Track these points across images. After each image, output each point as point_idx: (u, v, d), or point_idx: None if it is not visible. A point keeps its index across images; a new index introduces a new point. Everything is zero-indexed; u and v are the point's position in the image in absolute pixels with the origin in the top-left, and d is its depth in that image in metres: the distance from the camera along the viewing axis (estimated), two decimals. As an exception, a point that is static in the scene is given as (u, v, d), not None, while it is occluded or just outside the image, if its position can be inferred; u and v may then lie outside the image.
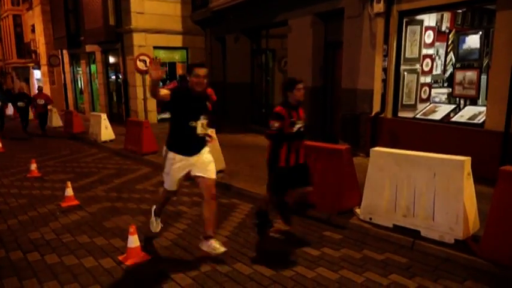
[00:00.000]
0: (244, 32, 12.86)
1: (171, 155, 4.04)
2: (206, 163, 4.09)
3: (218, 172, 7.22)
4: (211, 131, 7.19)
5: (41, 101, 13.43)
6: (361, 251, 4.15)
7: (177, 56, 15.19)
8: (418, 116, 7.77)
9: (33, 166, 7.92)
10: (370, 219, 4.68)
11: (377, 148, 4.81)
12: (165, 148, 4.14)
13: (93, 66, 18.34)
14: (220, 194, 6.33)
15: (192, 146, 4.02)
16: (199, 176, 4.05)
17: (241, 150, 9.50)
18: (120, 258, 4.04)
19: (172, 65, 15.29)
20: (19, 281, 3.66)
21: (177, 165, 4.02)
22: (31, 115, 16.16)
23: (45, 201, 6.13)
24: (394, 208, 4.49)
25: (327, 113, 10.23)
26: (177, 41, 14.71)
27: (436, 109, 7.67)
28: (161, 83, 14.92)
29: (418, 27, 7.81)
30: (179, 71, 15.51)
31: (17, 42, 28.78)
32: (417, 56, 7.89)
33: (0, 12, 31.99)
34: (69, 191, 5.98)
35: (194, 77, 3.90)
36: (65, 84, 19.80)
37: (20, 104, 13.61)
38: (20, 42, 28.63)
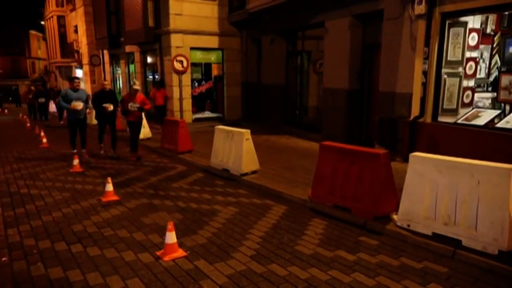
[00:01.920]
0: (280, 33, 12.88)
1: None
2: None
3: (252, 173, 7.32)
4: (246, 132, 7.31)
5: (134, 106, 8.88)
6: (399, 259, 4.07)
7: (213, 57, 15.40)
8: (459, 121, 7.50)
9: (76, 161, 8.26)
10: (408, 226, 4.57)
11: (417, 153, 4.69)
12: None
13: (132, 66, 18.91)
14: (254, 195, 6.38)
15: None
16: None
17: (275, 152, 9.52)
18: (158, 253, 4.16)
19: (208, 66, 15.53)
20: (63, 271, 3.83)
21: None
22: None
23: (87, 195, 6.39)
24: (433, 215, 4.37)
25: (363, 116, 10.07)
26: (213, 42, 14.91)
27: (480, 114, 7.38)
28: (196, 83, 15.23)
29: (462, 29, 7.55)
30: (214, 71, 15.73)
31: (60, 42, 30.16)
32: (460, 58, 7.63)
33: (46, 13, 33.59)
34: (109, 187, 6.20)
35: None
36: (104, 83, 20.51)
37: (106, 106, 9.09)
38: (63, 42, 29.97)
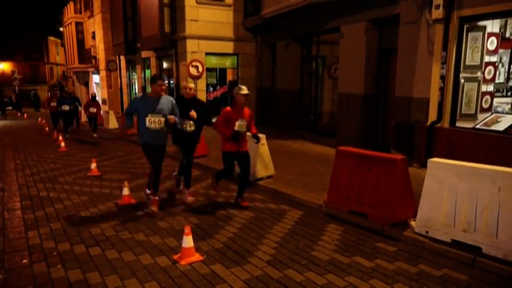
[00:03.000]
0: (295, 38, 12.91)
1: None
2: None
3: (267, 178, 7.32)
4: (262, 137, 7.32)
5: (243, 125, 5.70)
6: (417, 265, 4.01)
7: (227, 62, 15.50)
8: (478, 126, 7.39)
9: (93, 165, 8.38)
10: (427, 232, 4.51)
11: (435, 159, 4.63)
12: None
13: (147, 71, 19.14)
14: (269, 200, 6.37)
15: None
16: None
17: (290, 157, 9.50)
18: (175, 257, 4.18)
19: (222, 71, 15.63)
20: (82, 273, 3.88)
21: None
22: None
23: (104, 198, 6.47)
24: (453, 222, 4.30)
25: (378, 121, 10.00)
26: (228, 47, 15.02)
27: (499, 119, 7.26)
28: (211, 88, 15.33)
29: (480, 33, 7.45)
30: (229, 76, 15.83)
31: (78, 48, 30.74)
32: (478, 63, 7.52)
33: (64, 19, 34.32)
34: (126, 191, 6.27)
35: None
36: (121, 88, 20.83)
37: (185, 127, 6.03)
38: (81, 48, 30.54)
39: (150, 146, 5.71)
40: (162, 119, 5.53)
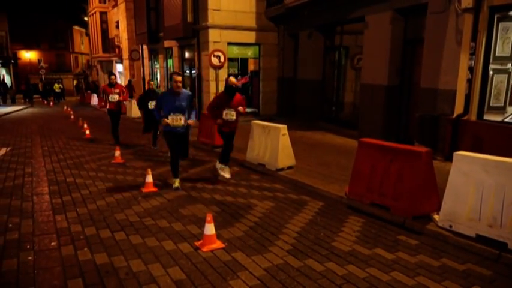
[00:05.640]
0: (318, 28, 12.75)
1: None
2: None
3: (288, 168, 7.33)
4: (283, 127, 7.31)
5: None
6: (440, 259, 3.96)
7: (249, 52, 15.45)
8: (508, 119, 7.17)
9: (117, 153, 8.56)
10: (450, 226, 4.44)
11: (462, 152, 4.53)
12: None
13: (170, 61, 19.28)
14: (290, 190, 6.38)
15: None
16: None
17: (311, 148, 9.46)
18: (197, 244, 4.26)
19: (244, 61, 15.60)
20: (108, 256, 4.00)
21: None
22: None
23: (128, 185, 6.62)
24: (478, 217, 4.21)
25: (402, 113, 9.82)
26: (250, 37, 14.96)
27: (529, 113, 7.03)
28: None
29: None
30: (251, 66, 15.79)
31: (102, 38, 31.23)
32: (509, 54, 7.25)
33: (89, 9, 34.86)
34: (149, 178, 6.39)
35: None
36: (143, 78, 21.07)
37: None
38: (105, 37, 31.01)
39: None
40: None
